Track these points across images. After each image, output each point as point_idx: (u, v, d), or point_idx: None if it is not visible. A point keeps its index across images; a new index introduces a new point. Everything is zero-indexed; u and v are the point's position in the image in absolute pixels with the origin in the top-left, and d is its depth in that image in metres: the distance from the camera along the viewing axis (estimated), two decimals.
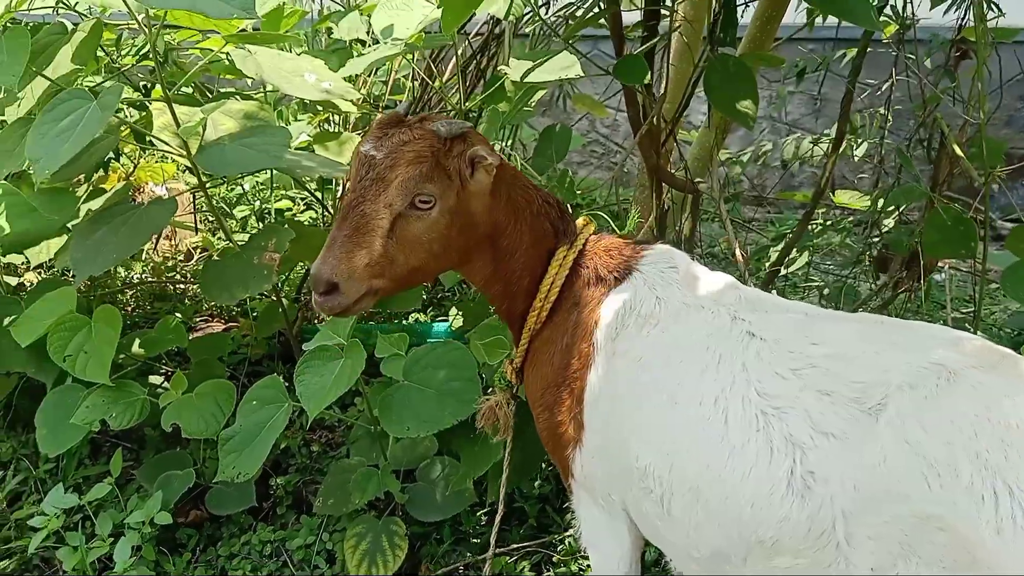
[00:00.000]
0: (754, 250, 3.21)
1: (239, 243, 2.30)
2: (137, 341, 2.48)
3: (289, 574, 2.25)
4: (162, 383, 2.61)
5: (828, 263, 3.78)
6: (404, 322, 3.22)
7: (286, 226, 2.58)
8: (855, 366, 1.18)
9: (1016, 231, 1.80)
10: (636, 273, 1.56)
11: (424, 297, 3.19)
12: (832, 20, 3.04)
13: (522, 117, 2.82)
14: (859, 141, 2.93)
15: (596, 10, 1.96)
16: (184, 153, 2.23)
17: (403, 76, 4.00)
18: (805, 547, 1.14)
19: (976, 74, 2.02)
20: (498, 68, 3.09)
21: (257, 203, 4.35)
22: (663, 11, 2.17)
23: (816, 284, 3.08)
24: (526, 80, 2.75)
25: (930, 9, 2.05)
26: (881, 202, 2.56)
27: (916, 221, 2.22)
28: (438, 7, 2.45)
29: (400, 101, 3.96)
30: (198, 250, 3.94)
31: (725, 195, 3.30)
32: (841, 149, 3.19)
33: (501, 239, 1.61)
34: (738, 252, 1.92)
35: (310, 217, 4.23)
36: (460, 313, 3.02)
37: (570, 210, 1.68)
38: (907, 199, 2.21)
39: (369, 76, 3.62)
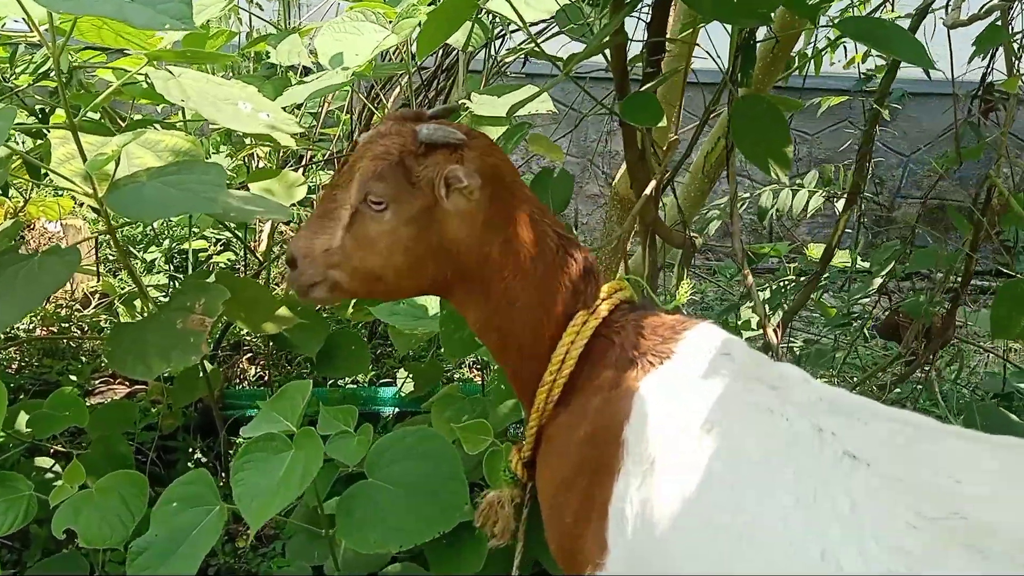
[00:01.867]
0: (726, 306, 2.98)
1: (156, 300, 1.90)
2: (25, 418, 2.03)
3: None
4: (52, 466, 2.16)
5: (813, 325, 3.57)
6: (341, 386, 2.84)
7: (213, 279, 2.20)
8: (1013, 513, 0.88)
9: None
10: (678, 358, 1.25)
11: None
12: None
13: None
14: (823, 191, 2.76)
15: (602, 39, 1.68)
16: (89, 192, 1.83)
17: (336, 108, 3.66)
18: None
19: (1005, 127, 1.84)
20: (458, 101, 2.79)
21: (167, 242, 3.89)
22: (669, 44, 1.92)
23: (794, 344, 2.88)
24: (487, 115, 2.46)
25: (968, 62, 1.85)
26: (868, 262, 2.37)
27: (937, 286, 2.01)
28: (393, 32, 2.15)
29: (333, 135, 3.61)
30: (96, 295, 3.45)
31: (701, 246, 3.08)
32: (811, 204, 3.04)
33: (495, 281, 1.33)
34: (770, 330, 1.64)
35: (228, 259, 3.80)
36: (409, 376, 2.67)
37: (600, 271, 1.37)
38: (926, 263, 2.01)
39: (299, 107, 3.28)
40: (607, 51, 1.75)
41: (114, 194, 1.72)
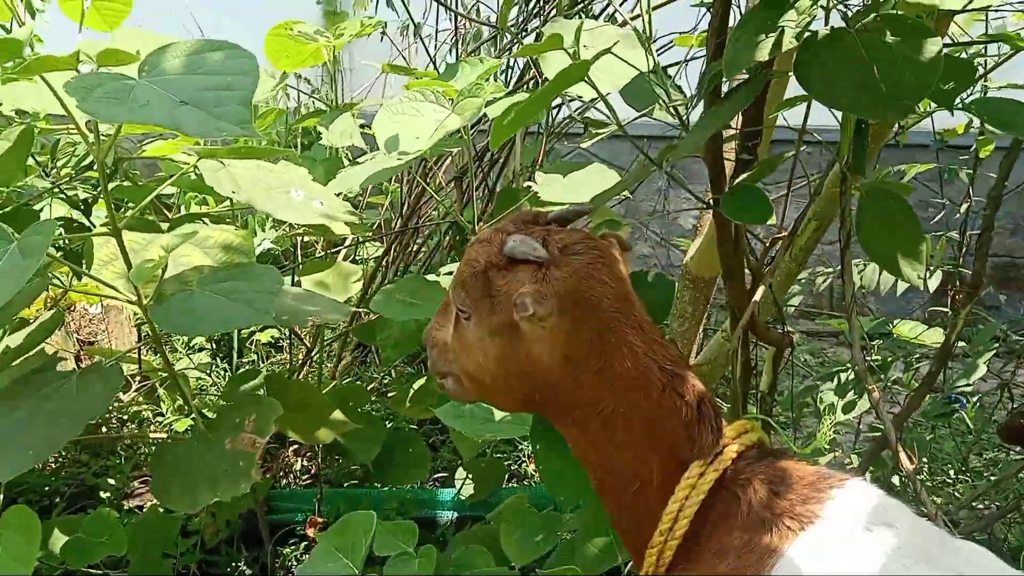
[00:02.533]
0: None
1: (208, 412, 1.73)
2: (61, 539, 1.86)
3: None
4: None
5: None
6: (398, 489, 2.64)
7: (262, 383, 2.03)
8: None
9: None
10: (825, 524, 1.04)
11: None
12: None
13: None
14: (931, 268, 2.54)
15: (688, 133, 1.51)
16: (133, 300, 1.67)
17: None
18: None
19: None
20: (526, 183, 2.63)
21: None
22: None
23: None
24: (556, 201, 2.30)
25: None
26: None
27: None
28: (454, 112, 2.00)
29: (381, 204, 3.48)
30: (137, 379, 3.31)
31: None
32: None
33: (589, 414, 1.16)
34: (903, 456, 1.40)
35: (271, 336, 3.65)
36: (469, 476, 2.46)
37: (719, 412, 1.16)
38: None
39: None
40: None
41: (162, 306, 1.56)
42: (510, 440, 3.01)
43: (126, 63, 1.34)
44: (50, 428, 1.44)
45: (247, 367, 3.19)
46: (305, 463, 2.85)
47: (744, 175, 1.62)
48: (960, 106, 1.76)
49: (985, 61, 1.86)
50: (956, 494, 2.24)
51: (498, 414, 2.02)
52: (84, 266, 1.81)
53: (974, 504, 2.01)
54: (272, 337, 3.66)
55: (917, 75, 1.23)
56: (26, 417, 1.47)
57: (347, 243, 2.94)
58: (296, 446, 2.88)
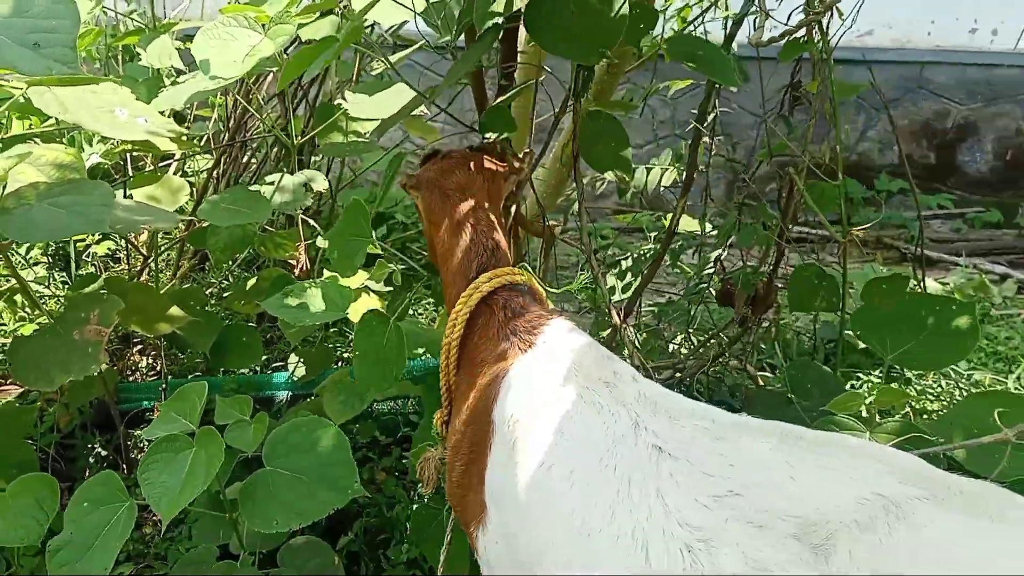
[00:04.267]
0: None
1: (52, 312, 2.00)
2: None
3: None
4: None
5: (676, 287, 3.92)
6: (236, 374, 2.97)
7: (101, 286, 2.30)
8: (786, 496, 1.08)
9: (868, 286, 1.93)
10: (537, 351, 1.50)
11: None
12: None
13: (362, 149, 2.67)
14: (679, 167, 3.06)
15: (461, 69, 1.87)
16: None
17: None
18: None
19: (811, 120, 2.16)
20: (334, 100, 2.92)
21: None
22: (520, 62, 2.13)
23: (650, 308, 3.17)
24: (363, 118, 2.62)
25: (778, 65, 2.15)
26: (719, 233, 2.68)
27: (760, 261, 2.34)
28: (267, 37, 2.26)
29: (208, 119, 3.65)
30: None
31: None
32: (664, 179, 3.34)
33: (438, 248, 1.76)
34: (615, 313, 1.91)
35: (108, 248, 3.81)
36: (301, 360, 2.83)
37: (507, 257, 1.64)
38: (748, 241, 2.32)
39: None
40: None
41: (3, 219, 1.81)
42: (342, 331, 3.38)
43: None
44: None
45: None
46: (150, 361, 3.12)
47: (499, 99, 2.02)
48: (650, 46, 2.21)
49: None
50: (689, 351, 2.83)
51: (314, 307, 2.38)
52: None
53: (698, 356, 2.58)
54: (109, 249, 3.83)
55: (608, 25, 1.64)
56: None
57: (176, 157, 3.14)
58: (140, 346, 3.15)
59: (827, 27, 2.14)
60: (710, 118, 2.33)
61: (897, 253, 5.30)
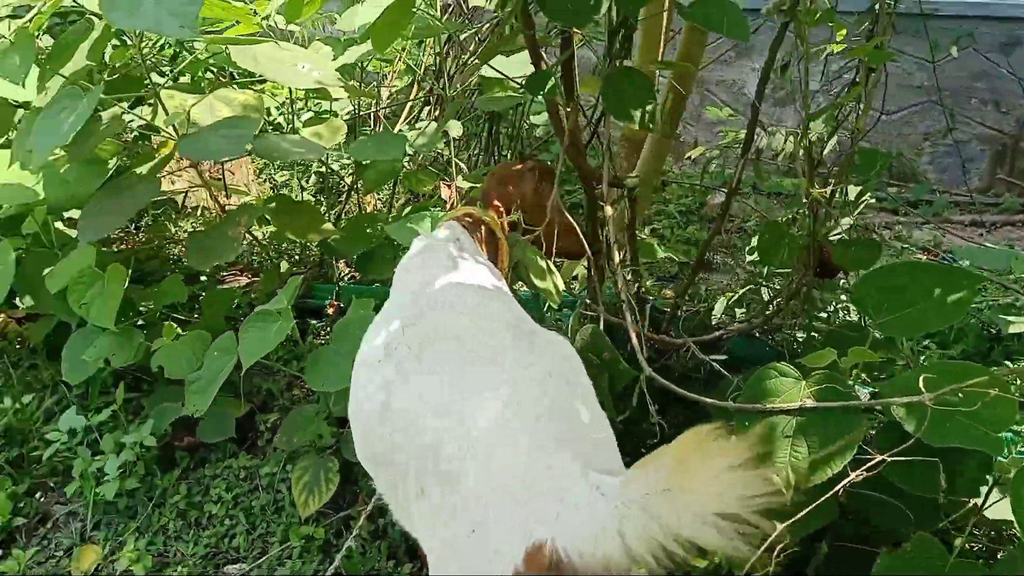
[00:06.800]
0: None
1: (222, 216, 2.71)
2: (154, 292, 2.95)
3: (256, 496, 2.68)
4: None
5: None
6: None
7: (254, 203, 2.99)
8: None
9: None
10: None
11: None
12: None
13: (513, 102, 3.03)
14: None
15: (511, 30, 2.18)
16: (175, 139, 2.63)
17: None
18: None
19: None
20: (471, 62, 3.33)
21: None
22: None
23: None
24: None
25: None
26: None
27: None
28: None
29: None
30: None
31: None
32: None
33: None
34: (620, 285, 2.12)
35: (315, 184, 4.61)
36: None
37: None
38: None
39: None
40: None
41: (183, 142, 2.51)
42: None
43: None
44: (115, 210, 2.46)
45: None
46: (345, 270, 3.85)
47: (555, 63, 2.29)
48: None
49: None
50: None
51: (424, 228, 2.86)
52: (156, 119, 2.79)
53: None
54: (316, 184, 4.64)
55: None
56: (103, 204, 2.50)
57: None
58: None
59: None
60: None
61: None
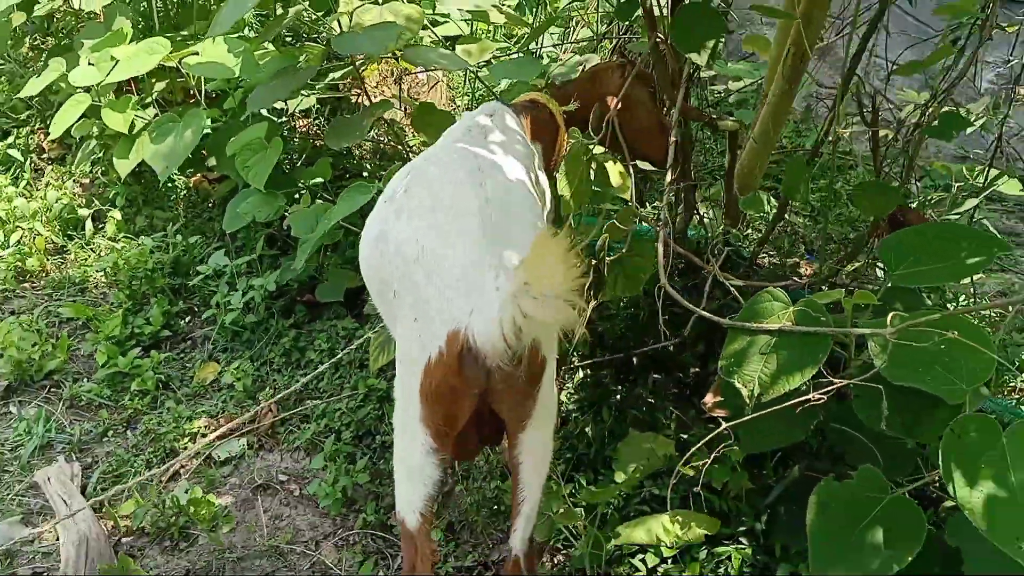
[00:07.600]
0: None
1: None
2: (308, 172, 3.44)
3: (349, 352, 3.08)
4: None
5: None
6: None
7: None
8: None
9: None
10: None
11: None
12: None
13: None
14: None
15: None
16: None
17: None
18: None
19: None
20: None
21: None
22: None
23: None
24: None
25: None
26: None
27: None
28: None
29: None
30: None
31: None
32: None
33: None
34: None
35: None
36: None
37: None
38: None
39: None
40: None
41: (336, 39, 2.92)
42: None
43: None
44: (279, 89, 2.92)
45: None
46: None
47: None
48: None
49: None
50: None
51: None
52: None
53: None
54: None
55: None
56: (271, 86, 2.97)
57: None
58: None
59: None
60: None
61: None
